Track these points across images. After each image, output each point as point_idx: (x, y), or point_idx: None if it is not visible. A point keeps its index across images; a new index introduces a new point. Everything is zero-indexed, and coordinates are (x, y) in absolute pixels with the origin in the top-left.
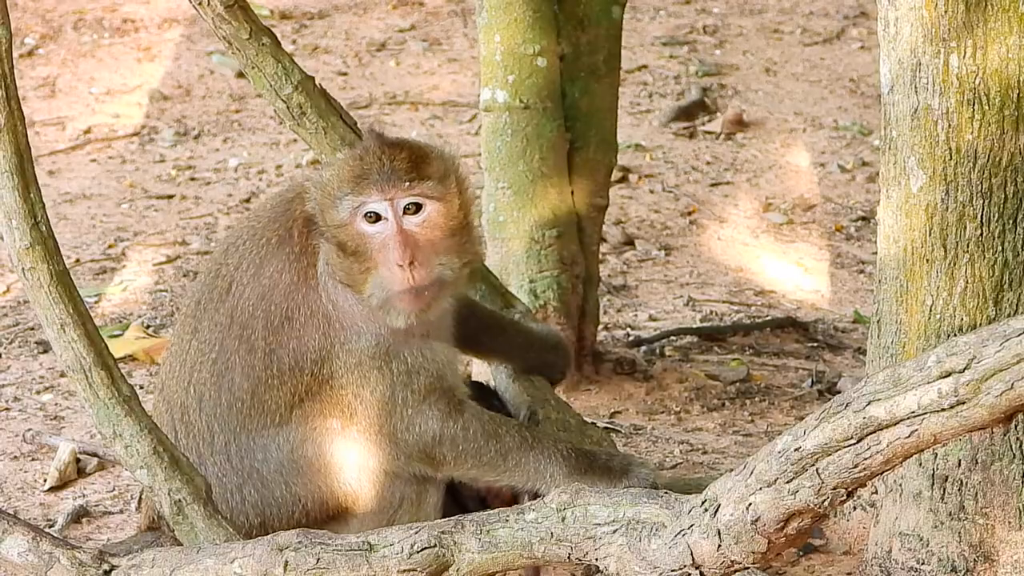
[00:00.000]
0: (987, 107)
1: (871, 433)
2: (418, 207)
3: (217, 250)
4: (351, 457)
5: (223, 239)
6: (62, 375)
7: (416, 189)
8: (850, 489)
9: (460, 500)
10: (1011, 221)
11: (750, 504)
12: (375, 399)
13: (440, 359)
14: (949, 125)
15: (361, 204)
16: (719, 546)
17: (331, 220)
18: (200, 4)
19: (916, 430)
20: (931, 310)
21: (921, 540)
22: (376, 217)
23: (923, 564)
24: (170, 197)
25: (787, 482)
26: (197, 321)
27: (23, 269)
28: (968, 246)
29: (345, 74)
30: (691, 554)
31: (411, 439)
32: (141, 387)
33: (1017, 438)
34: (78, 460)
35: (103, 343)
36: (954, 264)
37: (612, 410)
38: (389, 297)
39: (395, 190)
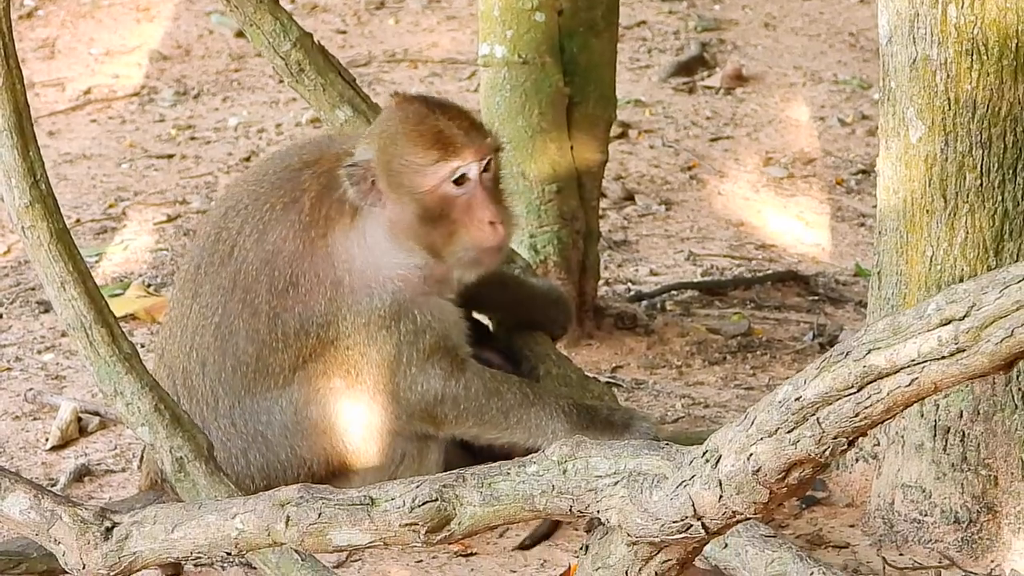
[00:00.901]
0: (986, 57)
1: (871, 382)
2: (489, 163)
3: (214, 213)
4: (354, 416)
5: (219, 202)
6: (63, 335)
7: (493, 144)
8: (851, 438)
9: (473, 449)
10: (1011, 171)
11: (751, 454)
12: (381, 358)
13: (447, 318)
14: (948, 75)
15: (455, 169)
16: (720, 497)
17: (413, 188)
18: None
19: (917, 378)
20: (931, 261)
21: (924, 491)
22: (462, 179)
23: (926, 516)
24: (170, 157)
25: (788, 432)
26: (197, 285)
27: (23, 227)
28: (968, 196)
29: (344, 32)
30: (693, 505)
31: (413, 398)
32: (142, 345)
33: (1019, 388)
34: (80, 419)
35: (103, 301)
36: (954, 214)
37: (613, 365)
38: (477, 255)
39: (483, 149)
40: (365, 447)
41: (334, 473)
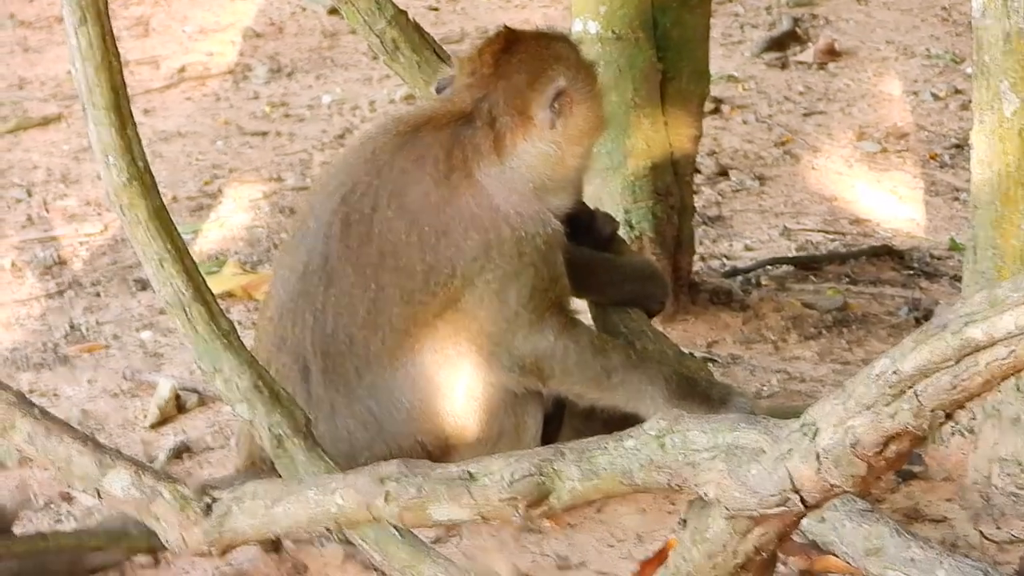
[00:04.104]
0: None
1: (969, 354)
2: None
3: (326, 205)
4: (468, 374)
5: (327, 193)
6: (161, 312)
7: None
8: (949, 411)
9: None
10: None
11: (849, 428)
12: (515, 297)
13: (568, 280)
14: None
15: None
16: (818, 470)
17: (594, 86)
18: None
19: (1014, 350)
20: None
21: (1020, 465)
22: None
23: (1023, 489)
24: (264, 134)
25: (885, 405)
26: (330, 273)
27: (121, 206)
28: None
29: (436, 9)
30: (791, 479)
31: (527, 349)
32: (240, 323)
33: None
34: (178, 397)
35: (201, 278)
36: None
37: (709, 340)
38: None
39: None
40: (468, 415)
41: (443, 448)
